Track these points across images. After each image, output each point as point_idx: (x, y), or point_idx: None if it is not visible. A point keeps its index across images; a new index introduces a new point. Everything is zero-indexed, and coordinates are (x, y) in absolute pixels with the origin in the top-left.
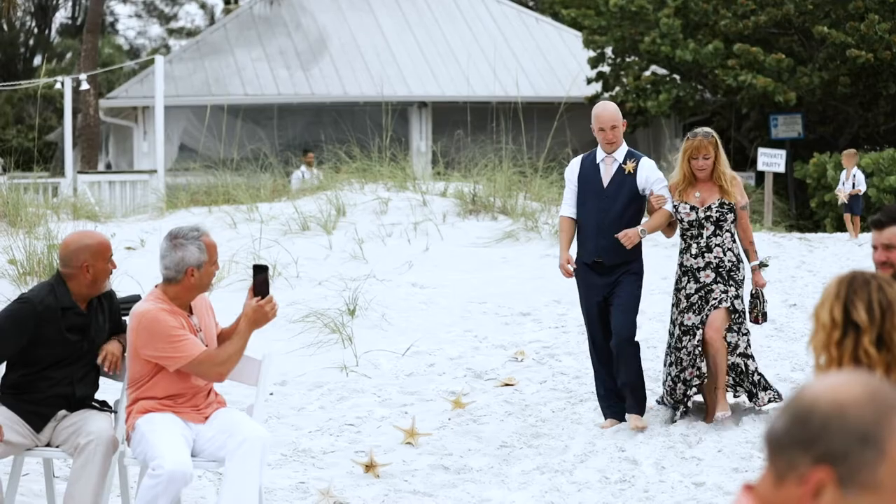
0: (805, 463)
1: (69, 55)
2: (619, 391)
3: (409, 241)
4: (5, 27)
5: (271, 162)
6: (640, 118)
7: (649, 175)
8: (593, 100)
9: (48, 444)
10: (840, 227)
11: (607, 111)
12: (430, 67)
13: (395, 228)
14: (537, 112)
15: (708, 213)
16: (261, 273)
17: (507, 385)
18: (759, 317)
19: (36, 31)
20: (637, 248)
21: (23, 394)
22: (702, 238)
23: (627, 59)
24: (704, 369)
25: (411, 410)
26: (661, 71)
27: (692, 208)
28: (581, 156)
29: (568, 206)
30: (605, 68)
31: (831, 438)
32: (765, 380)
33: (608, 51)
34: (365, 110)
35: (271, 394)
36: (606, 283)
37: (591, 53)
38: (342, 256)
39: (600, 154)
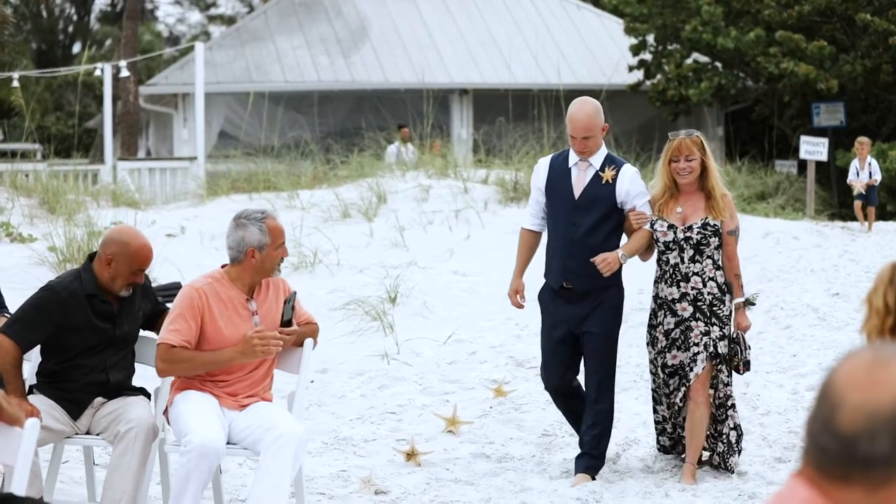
0: None
1: (109, 42)
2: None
3: (451, 228)
4: (45, 14)
5: (312, 149)
6: (682, 106)
7: (630, 187)
8: (635, 87)
9: (87, 432)
10: (881, 216)
11: (582, 116)
12: (470, 55)
13: (437, 216)
14: None
15: (688, 235)
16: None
17: None
18: (741, 366)
19: (75, 18)
20: (615, 274)
21: (58, 382)
22: (680, 263)
23: (669, 47)
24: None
25: (452, 398)
26: (703, 59)
27: (670, 227)
28: (550, 157)
29: (530, 217)
30: (647, 56)
31: None
32: (735, 445)
33: (650, 38)
34: (406, 98)
35: (312, 381)
36: (575, 315)
37: (633, 41)
38: (383, 244)
39: (573, 157)
